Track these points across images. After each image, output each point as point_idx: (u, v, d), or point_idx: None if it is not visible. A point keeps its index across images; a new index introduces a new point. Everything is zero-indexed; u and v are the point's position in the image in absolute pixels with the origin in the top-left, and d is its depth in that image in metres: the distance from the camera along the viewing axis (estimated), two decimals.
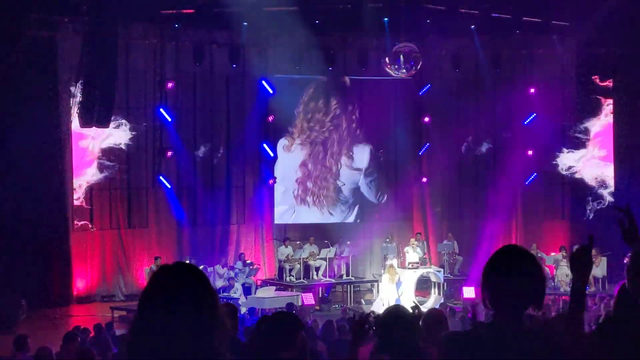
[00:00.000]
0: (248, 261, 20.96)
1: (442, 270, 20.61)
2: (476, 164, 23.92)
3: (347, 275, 21.37)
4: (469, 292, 19.85)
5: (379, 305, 18.36)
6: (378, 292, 19.85)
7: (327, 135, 22.95)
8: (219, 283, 19.69)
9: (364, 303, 19.62)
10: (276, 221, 22.79)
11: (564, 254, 21.16)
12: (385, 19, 20.91)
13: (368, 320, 4.57)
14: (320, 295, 20.46)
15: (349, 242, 21.77)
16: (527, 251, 3.33)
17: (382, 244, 22.02)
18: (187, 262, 2.59)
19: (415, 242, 21.52)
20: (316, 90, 22.68)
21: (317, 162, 22.89)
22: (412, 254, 20.79)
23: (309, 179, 22.80)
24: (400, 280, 19.55)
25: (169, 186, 21.16)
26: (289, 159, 22.80)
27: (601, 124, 23.14)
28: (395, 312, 4.77)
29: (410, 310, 4.90)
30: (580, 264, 3.36)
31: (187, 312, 2.40)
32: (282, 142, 22.74)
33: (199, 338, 2.40)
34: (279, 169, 22.74)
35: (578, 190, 23.19)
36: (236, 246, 22.09)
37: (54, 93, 19.40)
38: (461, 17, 20.99)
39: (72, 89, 19.29)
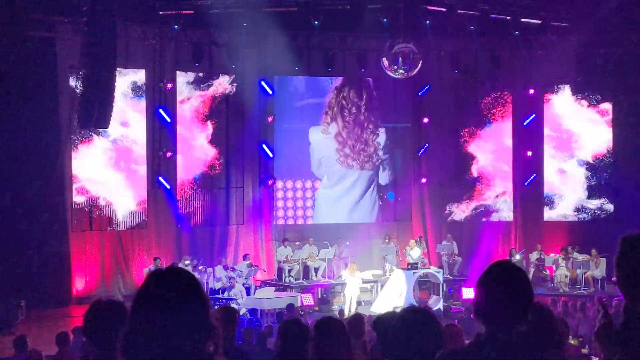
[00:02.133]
0: (248, 262, 20.94)
1: (441, 271, 20.62)
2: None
3: None
4: (468, 292, 19.83)
5: (344, 300, 19.25)
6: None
7: (357, 114, 23.27)
8: (218, 284, 19.69)
9: (362, 304, 19.63)
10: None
11: (563, 255, 21.18)
12: (385, 19, 20.90)
13: None
14: (319, 296, 20.46)
15: (348, 243, 21.77)
16: (517, 267, 3.33)
17: (381, 245, 22.05)
18: (180, 265, 2.62)
19: (415, 244, 21.56)
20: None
21: (350, 132, 23.22)
22: (408, 256, 20.95)
23: (345, 146, 23.13)
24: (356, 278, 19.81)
25: (168, 187, 21.15)
26: (328, 140, 23.11)
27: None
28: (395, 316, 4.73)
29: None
30: (607, 340, 3.31)
31: (177, 317, 2.42)
32: (316, 130, 22.97)
33: (190, 342, 2.42)
34: (319, 153, 23.08)
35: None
36: (235, 247, 22.09)
37: (53, 93, 19.41)
38: (460, 18, 21.01)
39: (71, 89, 19.29)
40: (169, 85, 21.01)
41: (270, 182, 22.53)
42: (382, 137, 23.60)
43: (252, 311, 17.92)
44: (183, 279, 2.53)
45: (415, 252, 21.16)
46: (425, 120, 23.49)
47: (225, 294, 19.17)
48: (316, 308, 19.53)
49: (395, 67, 20.09)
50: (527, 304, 3.20)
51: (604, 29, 20.77)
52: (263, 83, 22.06)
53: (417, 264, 20.27)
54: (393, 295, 19.28)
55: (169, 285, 2.50)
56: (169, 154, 21.00)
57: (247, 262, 20.64)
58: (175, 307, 2.43)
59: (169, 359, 2.40)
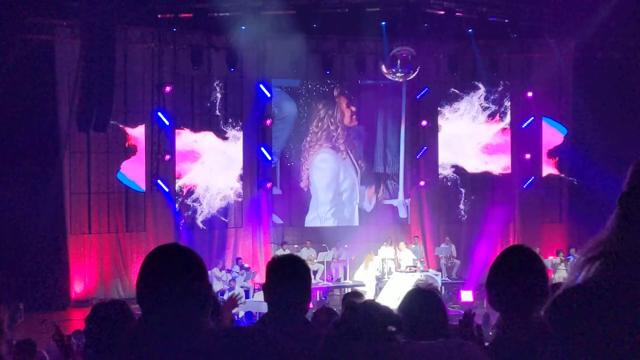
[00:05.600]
0: (245, 265, 20.96)
1: (439, 273, 20.63)
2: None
3: (345, 278, 21.39)
4: (466, 295, 19.86)
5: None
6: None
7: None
8: (217, 286, 19.68)
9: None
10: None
11: (562, 257, 21.20)
12: (383, 23, 20.93)
13: None
14: (317, 299, 20.47)
15: (346, 246, 21.79)
16: (531, 251, 3.29)
17: (380, 248, 22.06)
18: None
19: (405, 246, 21.62)
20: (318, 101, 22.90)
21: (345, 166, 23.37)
22: (402, 256, 21.04)
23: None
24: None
25: (167, 189, 21.16)
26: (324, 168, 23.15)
27: None
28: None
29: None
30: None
31: (177, 288, 2.51)
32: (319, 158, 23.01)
33: (191, 312, 2.50)
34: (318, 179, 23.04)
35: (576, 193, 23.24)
36: (234, 249, 22.11)
37: (51, 97, 19.42)
38: (458, 21, 21.04)
39: (70, 93, 19.31)
40: (168, 89, 21.03)
41: (268, 185, 22.53)
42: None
43: (248, 314, 17.91)
44: (184, 255, 2.61)
45: (404, 254, 21.14)
46: (424, 123, 23.51)
47: (225, 296, 19.16)
48: (314, 311, 19.51)
49: (394, 70, 20.11)
50: (543, 288, 3.14)
51: (602, 33, 20.79)
52: (261, 86, 22.08)
53: (415, 267, 20.30)
54: (391, 298, 19.29)
55: (170, 259, 2.63)
56: (167, 156, 21.01)
57: (241, 265, 20.65)
58: (178, 276, 2.53)
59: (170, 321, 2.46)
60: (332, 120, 23.09)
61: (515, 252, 3.28)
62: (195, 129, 21.82)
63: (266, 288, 3.59)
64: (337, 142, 23.20)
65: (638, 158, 1.89)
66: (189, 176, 21.83)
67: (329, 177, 23.29)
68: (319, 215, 23.21)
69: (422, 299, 3.51)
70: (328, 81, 22.91)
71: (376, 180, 23.72)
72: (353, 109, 23.18)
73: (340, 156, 23.29)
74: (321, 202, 23.24)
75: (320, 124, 23.05)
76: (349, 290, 20.97)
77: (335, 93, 23.10)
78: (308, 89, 22.84)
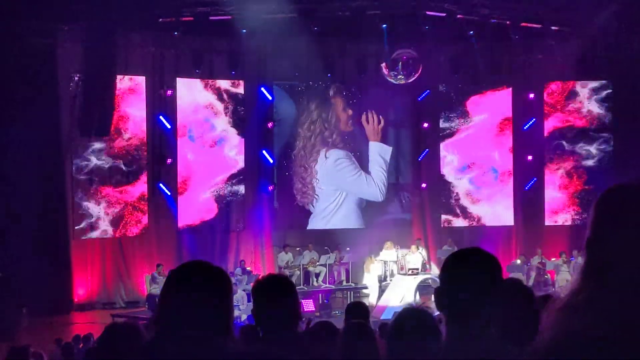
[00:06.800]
0: (248, 268, 20.95)
1: None
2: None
3: (347, 281, 21.38)
4: None
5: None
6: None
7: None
8: None
9: None
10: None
11: (564, 259, 21.19)
12: (384, 25, 20.93)
13: None
14: (320, 302, 20.46)
15: (348, 249, 21.76)
16: (529, 290, 3.26)
17: (381, 250, 22.04)
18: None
19: (417, 249, 21.59)
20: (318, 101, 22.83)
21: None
22: (412, 259, 20.94)
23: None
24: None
25: (169, 193, 21.18)
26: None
27: None
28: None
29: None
30: None
31: (198, 307, 2.49)
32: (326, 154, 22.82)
33: (210, 334, 2.48)
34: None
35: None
36: (236, 253, 22.10)
37: (53, 101, 19.43)
38: (460, 23, 21.03)
39: (72, 97, 19.31)
40: (169, 92, 21.05)
41: (270, 188, 22.54)
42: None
43: (250, 318, 17.91)
44: (208, 273, 2.64)
45: (414, 257, 21.11)
46: (425, 125, 23.50)
47: None
48: (317, 314, 19.52)
49: (395, 72, 20.12)
50: (536, 326, 3.13)
51: (604, 34, 20.78)
52: (263, 89, 22.10)
53: (417, 269, 20.29)
54: (393, 300, 19.29)
55: (193, 277, 2.61)
56: (169, 160, 21.03)
57: (243, 268, 20.65)
58: (196, 298, 2.51)
59: (192, 349, 2.44)
60: (326, 125, 22.94)
61: (512, 289, 3.27)
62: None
63: (255, 313, 3.55)
64: (339, 146, 23.10)
65: (598, 197, 1.81)
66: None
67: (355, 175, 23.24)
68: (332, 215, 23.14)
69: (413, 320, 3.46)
70: (329, 83, 22.84)
71: (388, 191, 23.62)
72: (350, 112, 23.07)
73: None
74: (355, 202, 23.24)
75: (312, 127, 22.88)
76: (351, 293, 21.03)
77: (331, 92, 22.94)
78: (308, 86, 22.79)
